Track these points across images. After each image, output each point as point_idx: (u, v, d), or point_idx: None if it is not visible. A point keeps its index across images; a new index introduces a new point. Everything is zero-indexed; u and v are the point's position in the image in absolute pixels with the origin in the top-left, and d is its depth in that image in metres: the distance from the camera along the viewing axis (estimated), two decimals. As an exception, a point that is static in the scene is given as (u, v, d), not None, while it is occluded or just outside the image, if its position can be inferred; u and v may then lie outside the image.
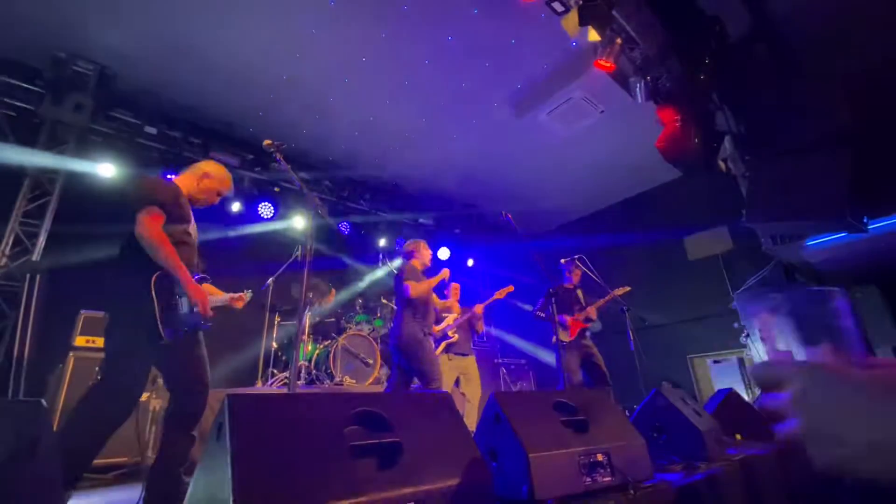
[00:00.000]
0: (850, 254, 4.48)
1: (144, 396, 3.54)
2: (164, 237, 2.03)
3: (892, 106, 4.07)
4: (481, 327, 4.71)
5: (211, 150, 5.53)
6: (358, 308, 5.96)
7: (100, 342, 3.69)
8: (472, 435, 1.77)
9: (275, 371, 5.01)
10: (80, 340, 3.65)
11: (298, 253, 5.37)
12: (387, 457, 1.23)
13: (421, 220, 7.81)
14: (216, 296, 2.42)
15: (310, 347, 5.14)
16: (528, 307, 5.30)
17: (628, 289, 4.78)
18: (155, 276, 1.97)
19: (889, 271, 4.88)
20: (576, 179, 7.11)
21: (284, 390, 4.17)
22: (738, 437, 2.95)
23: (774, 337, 0.61)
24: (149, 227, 2.01)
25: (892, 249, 4.29)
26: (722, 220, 6.15)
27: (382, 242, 7.30)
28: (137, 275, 1.97)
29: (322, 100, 5.22)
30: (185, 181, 2.38)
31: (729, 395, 3.31)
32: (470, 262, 8.42)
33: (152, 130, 5.13)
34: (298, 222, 6.26)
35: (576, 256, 4.81)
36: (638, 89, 4.13)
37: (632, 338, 5.02)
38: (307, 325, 5.24)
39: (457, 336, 4.47)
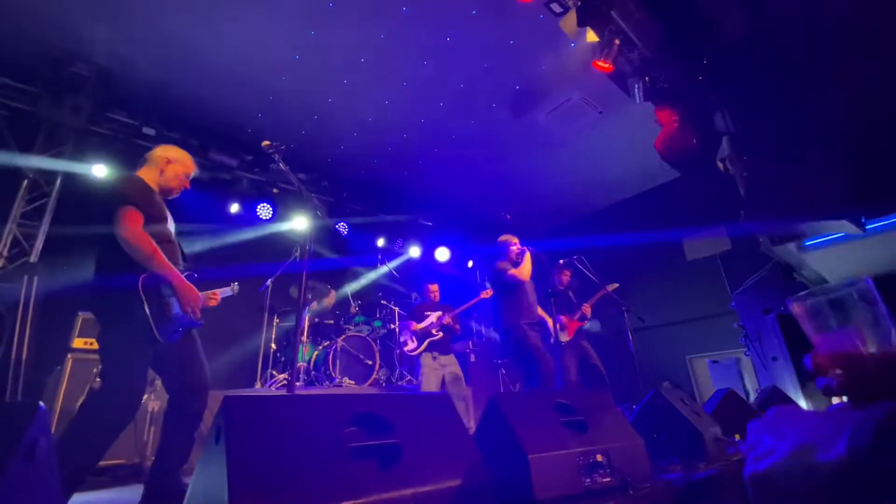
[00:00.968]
0: (849, 254, 4.49)
1: (143, 398, 3.54)
2: (145, 237, 1.97)
3: (892, 106, 4.09)
4: (457, 330, 4.75)
5: (209, 152, 5.53)
6: (357, 309, 5.96)
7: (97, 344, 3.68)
8: (472, 435, 1.77)
9: (274, 372, 5.00)
10: (78, 342, 3.64)
11: (297, 254, 5.37)
12: (386, 458, 1.23)
13: (420, 221, 7.81)
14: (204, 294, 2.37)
15: (308, 348, 5.14)
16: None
17: (616, 285, 4.81)
18: (142, 278, 1.92)
19: (889, 271, 4.89)
20: (574, 180, 7.12)
21: (283, 392, 4.17)
22: (738, 437, 2.95)
23: (811, 325, 0.60)
24: (129, 227, 1.94)
25: (891, 249, 4.30)
26: (720, 220, 6.16)
27: (381, 243, 7.29)
28: (124, 277, 1.92)
29: (321, 101, 5.22)
30: (149, 174, 2.24)
31: (728, 395, 3.31)
32: (470, 264, 8.43)
33: (150, 132, 5.12)
34: (297, 223, 6.26)
35: (574, 256, 4.82)
36: (636, 90, 4.13)
37: (630, 338, 5.02)
38: (306, 326, 5.23)
39: (441, 334, 4.49)
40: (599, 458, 1.69)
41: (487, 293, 4.63)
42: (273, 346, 5.22)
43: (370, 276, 7.07)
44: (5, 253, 4.23)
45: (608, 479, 1.67)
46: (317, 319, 5.48)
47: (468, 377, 4.76)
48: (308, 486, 1.05)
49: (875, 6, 3.84)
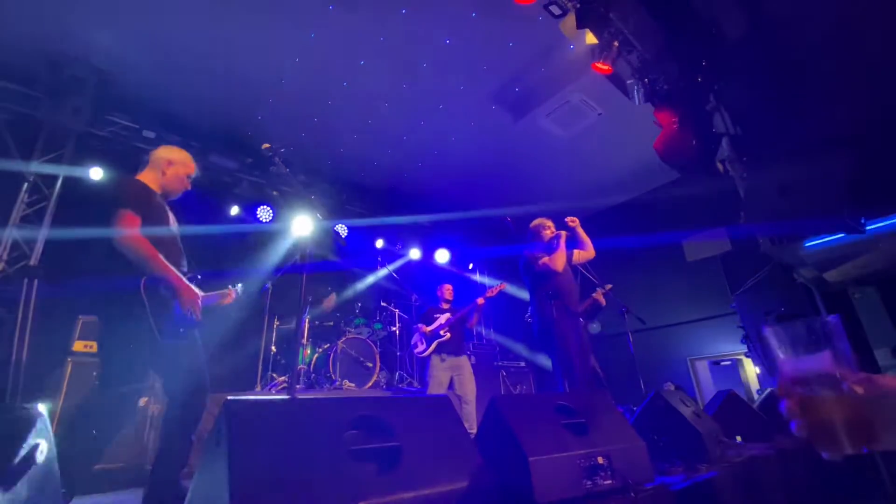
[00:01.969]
0: (849, 254, 4.49)
1: (143, 401, 3.53)
2: (142, 240, 1.97)
3: (891, 107, 4.09)
4: (474, 322, 4.69)
5: (209, 154, 5.53)
6: (357, 311, 5.96)
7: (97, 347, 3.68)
8: (473, 438, 1.76)
9: (274, 375, 5.00)
10: (78, 345, 3.64)
11: (298, 256, 5.36)
12: (387, 461, 1.22)
13: (420, 223, 7.81)
14: (208, 295, 2.38)
15: (309, 351, 5.13)
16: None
17: (609, 286, 4.81)
18: (143, 279, 1.94)
19: (889, 272, 4.89)
20: (574, 182, 7.12)
21: (284, 394, 4.16)
22: (739, 438, 2.95)
23: (776, 347, 0.63)
24: (125, 231, 1.95)
25: (891, 250, 4.30)
26: (720, 221, 6.16)
27: (380, 245, 7.30)
28: (126, 280, 1.93)
29: (320, 103, 5.23)
30: (150, 176, 2.27)
31: (729, 396, 3.31)
32: (471, 266, 8.44)
33: (150, 134, 5.12)
34: (297, 226, 6.25)
35: (574, 257, 4.81)
36: (635, 91, 4.13)
37: (631, 340, 5.02)
38: (306, 328, 5.23)
39: (449, 335, 4.47)
40: (600, 460, 1.68)
41: (492, 291, 4.63)
42: (273, 348, 5.22)
43: (370, 279, 7.07)
44: (5, 256, 4.23)
45: (609, 482, 1.67)
46: (317, 322, 5.48)
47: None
48: (309, 490, 1.05)
49: (874, 7, 3.85)
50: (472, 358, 6.10)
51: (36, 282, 4.24)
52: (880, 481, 3.52)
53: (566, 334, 3.28)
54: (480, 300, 4.54)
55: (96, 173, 4.78)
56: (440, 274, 7.51)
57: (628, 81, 4.17)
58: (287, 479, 1.05)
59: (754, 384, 5.51)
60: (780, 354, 0.63)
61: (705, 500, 1.87)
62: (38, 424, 1.23)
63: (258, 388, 4.82)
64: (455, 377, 4.38)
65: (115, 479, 3.22)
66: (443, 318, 4.56)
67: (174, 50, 4.37)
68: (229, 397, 1.19)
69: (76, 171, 4.69)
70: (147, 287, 1.94)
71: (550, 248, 3.55)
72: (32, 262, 4.35)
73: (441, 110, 5.45)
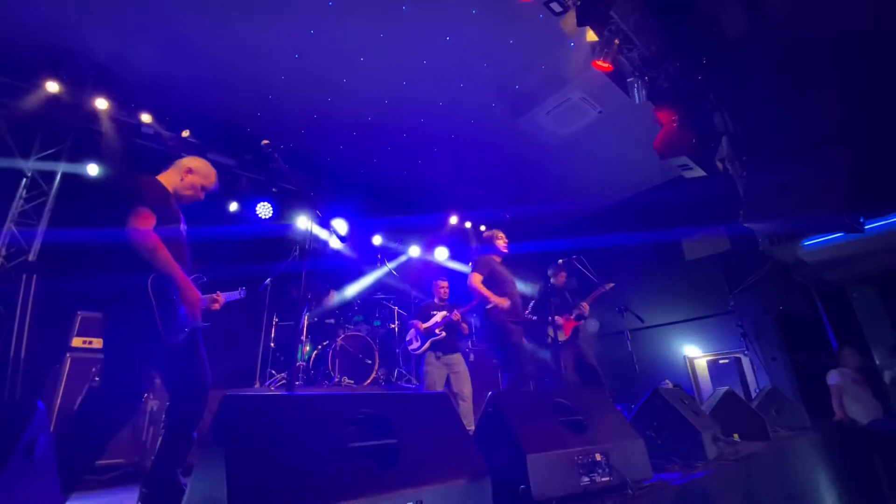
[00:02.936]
0: (847, 254, 4.50)
1: (143, 398, 3.53)
2: (156, 239, 2.00)
3: (890, 107, 4.09)
4: (465, 329, 4.71)
5: (208, 151, 5.52)
6: (356, 308, 5.96)
7: (97, 343, 3.68)
8: (471, 435, 1.77)
9: (273, 371, 5.00)
10: (77, 341, 3.64)
11: (297, 253, 5.36)
12: (385, 458, 1.23)
13: (419, 222, 7.80)
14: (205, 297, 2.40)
15: (308, 348, 5.13)
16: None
17: (612, 284, 4.81)
18: (151, 277, 1.95)
19: (887, 271, 4.91)
20: (573, 180, 7.12)
21: (282, 391, 4.16)
22: (736, 436, 2.96)
23: None
24: (141, 227, 1.98)
25: (889, 249, 4.31)
26: (720, 220, 6.16)
27: (379, 242, 7.30)
28: (133, 277, 1.94)
29: (320, 100, 5.22)
30: (169, 178, 2.34)
31: (727, 394, 3.32)
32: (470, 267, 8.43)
33: (149, 130, 5.11)
34: (297, 222, 6.25)
35: (573, 256, 4.82)
36: (636, 90, 4.13)
37: (629, 338, 5.03)
38: (305, 325, 5.23)
39: (444, 333, 4.47)
40: (598, 457, 1.69)
41: (458, 314, 4.63)
42: (272, 345, 5.22)
43: (370, 276, 7.06)
44: (4, 252, 4.23)
45: (607, 479, 1.67)
46: (316, 319, 5.48)
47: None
48: (307, 486, 1.05)
49: (873, 9, 3.85)
50: (472, 356, 6.10)
51: (35, 278, 4.24)
52: (877, 482, 3.54)
53: (511, 337, 3.69)
54: (456, 315, 4.54)
55: (93, 169, 4.78)
56: (440, 270, 7.51)
57: (629, 79, 4.16)
58: (285, 476, 1.06)
59: (752, 382, 5.53)
60: None
61: (703, 498, 1.88)
62: (37, 419, 1.23)
63: (257, 385, 4.82)
64: (451, 375, 4.38)
65: (115, 475, 3.23)
66: (438, 316, 4.56)
67: (174, 47, 4.36)
68: (228, 393, 1.19)
69: (75, 168, 4.69)
70: (154, 285, 1.95)
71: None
72: (31, 257, 4.35)
73: (441, 108, 5.44)
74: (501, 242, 4.22)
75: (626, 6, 3.61)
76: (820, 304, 5.21)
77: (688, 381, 6.45)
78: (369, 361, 5.19)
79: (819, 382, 4.50)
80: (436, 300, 4.81)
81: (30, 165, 4.47)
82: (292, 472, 1.07)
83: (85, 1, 3.88)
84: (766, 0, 4.08)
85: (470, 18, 4.24)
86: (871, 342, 4.99)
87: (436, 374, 4.32)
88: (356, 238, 7.12)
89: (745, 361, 5.70)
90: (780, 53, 4.48)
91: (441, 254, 7.86)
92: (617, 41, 3.68)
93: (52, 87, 4.41)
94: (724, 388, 3.43)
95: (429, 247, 7.83)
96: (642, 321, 5.01)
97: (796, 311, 5.28)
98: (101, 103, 4.73)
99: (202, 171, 2.44)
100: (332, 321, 5.62)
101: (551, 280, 4.93)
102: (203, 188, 2.44)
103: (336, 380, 4.81)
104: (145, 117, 4.93)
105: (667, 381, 5.39)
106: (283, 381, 4.63)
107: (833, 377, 4.39)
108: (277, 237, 6.17)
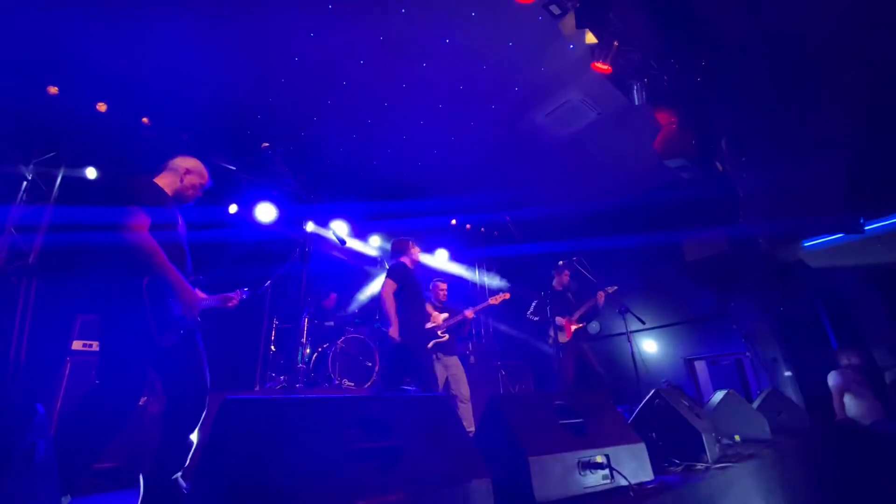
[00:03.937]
0: (847, 254, 4.50)
1: (142, 400, 3.53)
2: (151, 241, 2.00)
3: (889, 107, 4.09)
4: (467, 330, 4.71)
5: (209, 154, 5.52)
6: (357, 310, 5.95)
7: (97, 346, 3.68)
8: (472, 437, 1.76)
9: (273, 374, 5.00)
10: (76, 344, 3.64)
11: (297, 255, 5.35)
12: (386, 460, 1.22)
13: (419, 223, 7.80)
14: (210, 298, 2.41)
15: (308, 350, 5.12)
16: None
17: (615, 287, 4.80)
18: (146, 279, 1.95)
19: (887, 271, 4.90)
20: (573, 182, 7.12)
21: (282, 394, 4.16)
22: (737, 437, 2.95)
23: None
24: (135, 229, 1.98)
25: (889, 249, 4.31)
26: (720, 221, 6.17)
27: (378, 243, 7.30)
28: (128, 279, 1.95)
29: (320, 103, 5.23)
30: (168, 180, 2.35)
31: (727, 395, 3.31)
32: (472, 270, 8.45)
33: (150, 134, 5.11)
34: (296, 224, 6.25)
35: (573, 258, 4.83)
36: (635, 91, 4.14)
37: (630, 339, 5.02)
38: (306, 327, 5.22)
39: (446, 336, 4.47)
40: (599, 458, 1.68)
41: (495, 300, 4.63)
42: (272, 347, 5.21)
43: (370, 278, 7.06)
44: (3, 255, 4.22)
45: (608, 481, 1.67)
46: (316, 321, 5.47)
47: (468, 378, 4.74)
48: (307, 490, 1.05)
49: (872, 10, 3.85)
50: (472, 357, 6.10)
51: (34, 280, 4.23)
52: (878, 483, 3.53)
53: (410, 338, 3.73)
54: (470, 313, 4.54)
55: (91, 173, 4.78)
56: (436, 273, 7.50)
57: (628, 81, 4.17)
58: (285, 479, 1.05)
59: (753, 384, 5.52)
60: None
61: (704, 500, 1.87)
62: (37, 423, 1.23)
63: (257, 388, 4.82)
64: (450, 376, 4.38)
65: (114, 478, 3.22)
66: (439, 319, 4.55)
67: (173, 48, 4.36)
68: (228, 396, 1.19)
69: (74, 171, 4.69)
70: (149, 287, 1.95)
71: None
72: (31, 259, 4.34)
73: (441, 110, 5.45)
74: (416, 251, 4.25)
75: (625, 8, 3.62)
76: (820, 305, 5.21)
77: (689, 382, 6.44)
78: (369, 364, 5.19)
79: (820, 383, 4.50)
80: (436, 302, 4.81)
81: (29, 168, 4.47)
82: (292, 476, 1.06)
83: (84, 2, 3.89)
84: (765, 1, 4.10)
85: (469, 20, 4.25)
86: (872, 343, 4.98)
87: (438, 375, 4.32)
88: (356, 239, 7.12)
89: (746, 363, 5.70)
90: (779, 54, 4.49)
91: (441, 256, 7.86)
92: (616, 43, 3.69)
93: (53, 89, 4.42)
94: (725, 390, 3.42)
95: (428, 249, 7.83)
96: (643, 322, 5.01)
97: (797, 311, 5.27)
98: (101, 106, 4.73)
99: (198, 170, 2.47)
100: (332, 323, 5.62)
101: (554, 281, 4.94)
102: (201, 186, 2.48)
103: (336, 382, 4.80)
104: (144, 119, 4.93)
105: (665, 381, 5.39)
106: (283, 384, 4.63)
107: (834, 378, 4.39)
108: (277, 239, 6.17)
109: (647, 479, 1.83)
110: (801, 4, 4.08)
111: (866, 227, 4.05)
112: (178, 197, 2.36)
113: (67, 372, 3.49)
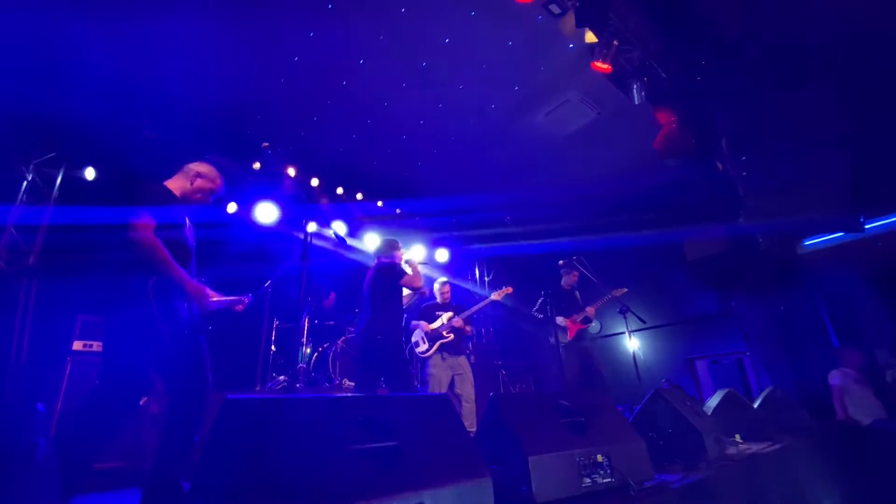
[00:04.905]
0: (847, 253, 4.50)
1: (143, 401, 3.53)
2: (157, 242, 2.01)
3: (889, 107, 4.09)
4: (469, 330, 4.69)
5: (208, 154, 5.52)
6: (357, 310, 5.95)
7: (98, 346, 3.68)
8: (473, 436, 1.76)
9: (273, 374, 5.00)
10: (77, 345, 3.64)
11: (298, 255, 5.35)
12: (387, 461, 1.22)
13: (419, 221, 7.80)
14: (216, 298, 2.42)
15: (309, 350, 5.12)
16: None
17: (625, 290, 4.79)
18: (152, 280, 1.96)
19: (887, 271, 4.90)
20: (573, 181, 7.12)
21: (283, 394, 4.16)
22: (738, 437, 2.95)
23: None
24: (141, 232, 1.99)
25: (889, 249, 4.31)
26: (720, 220, 6.16)
27: (378, 243, 7.29)
28: (134, 279, 1.96)
29: (319, 102, 5.22)
30: (178, 183, 2.38)
31: (728, 395, 3.31)
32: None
33: (150, 134, 5.11)
34: (297, 224, 6.25)
35: (573, 258, 4.82)
36: (635, 90, 4.14)
37: (631, 339, 5.02)
38: (306, 327, 5.22)
39: (452, 336, 4.44)
40: (600, 458, 1.69)
41: (498, 294, 4.63)
42: (273, 347, 5.21)
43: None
44: (4, 254, 4.22)
45: (609, 480, 1.67)
46: (317, 321, 5.47)
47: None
48: (308, 489, 1.05)
49: (871, 10, 3.85)
50: (472, 357, 6.09)
51: (35, 280, 4.23)
52: (879, 482, 3.53)
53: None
54: (458, 322, 4.53)
55: (90, 173, 4.79)
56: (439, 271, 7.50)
57: (628, 80, 4.17)
58: (287, 479, 1.05)
59: (754, 383, 5.52)
60: None
61: (704, 499, 1.87)
62: (38, 424, 1.23)
63: (258, 388, 4.82)
64: (455, 376, 4.36)
65: (115, 478, 3.22)
66: (444, 318, 4.53)
67: (173, 48, 4.36)
68: (229, 396, 1.19)
69: (75, 171, 4.69)
70: (155, 288, 1.96)
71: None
72: (31, 260, 4.34)
73: (440, 109, 5.45)
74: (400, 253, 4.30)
75: (625, 7, 3.62)
76: (821, 304, 5.21)
77: (689, 381, 6.44)
78: (370, 363, 5.18)
79: (820, 382, 4.50)
80: (438, 301, 4.79)
81: (30, 168, 4.47)
82: (293, 476, 1.06)
83: (84, 2, 3.88)
84: (765, 1, 4.09)
85: (469, 20, 4.25)
86: (873, 342, 4.98)
87: (441, 375, 4.30)
88: (355, 239, 7.12)
89: (747, 362, 5.70)
90: (779, 54, 4.49)
91: (441, 256, 7.86)
92: (616, 42, 3.69)
93: (52, 89, 4.42)
94: (726, 389, 3.42)
95: (429, 248, 7.83)
96: (644, 322, 5.01)
97: (797, 311, 5.27)
98: (102, 106, 4.73)
99: (210, 176, 2.50)
100: (333, 323, 5.61)
101: (563, 281, 4.93)
102: (211, 192, 2.51)
103: (337, 382, 4.80)
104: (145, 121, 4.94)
105: (668, 381, 5.39)
106: (284, 384, 4.63)
107: (834, 377, 4.39)
108: (277, 239, 6.17)
109: (648, 478, 1.83)
110: (801, 4, 4.07)
111: (866, 226, 4.05)
112: (186, 200, 2.39)
113: (68, 372, 3.49)
